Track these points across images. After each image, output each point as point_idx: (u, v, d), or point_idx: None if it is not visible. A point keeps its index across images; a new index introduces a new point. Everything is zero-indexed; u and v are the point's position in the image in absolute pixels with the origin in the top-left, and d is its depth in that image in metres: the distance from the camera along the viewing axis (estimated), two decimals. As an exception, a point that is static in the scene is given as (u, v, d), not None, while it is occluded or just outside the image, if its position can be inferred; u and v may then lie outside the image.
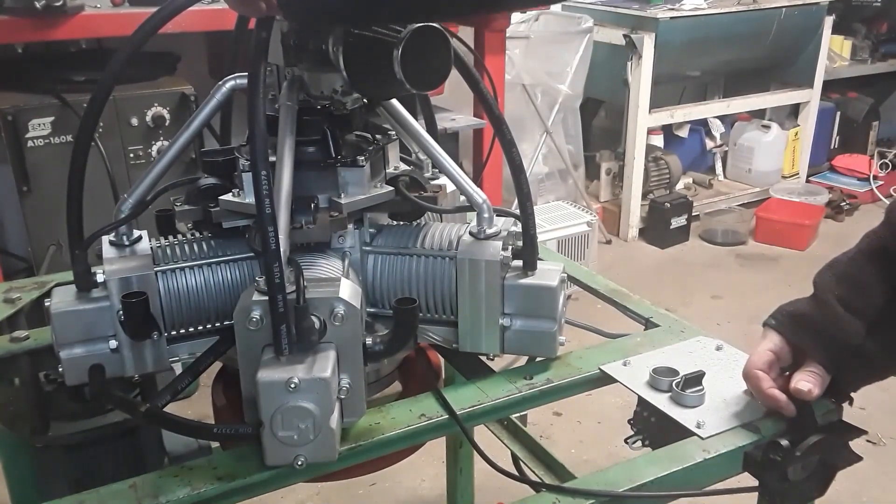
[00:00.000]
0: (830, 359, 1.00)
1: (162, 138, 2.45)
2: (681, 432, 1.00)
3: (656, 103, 4.07)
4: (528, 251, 1.08)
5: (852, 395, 1.05)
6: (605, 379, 1.13)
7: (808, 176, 4.84)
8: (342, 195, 1.04)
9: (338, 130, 1.06)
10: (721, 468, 0.98)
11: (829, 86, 4.73)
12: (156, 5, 1.00)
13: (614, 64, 3.96)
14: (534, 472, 1.53)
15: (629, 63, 3.92)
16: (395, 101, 1.13)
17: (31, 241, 2.41)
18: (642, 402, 1.07)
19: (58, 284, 1.08)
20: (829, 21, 4.39)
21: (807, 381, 0.99)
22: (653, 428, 1.07)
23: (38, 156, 2.32)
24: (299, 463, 0.89)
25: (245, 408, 0.94)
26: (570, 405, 2.60)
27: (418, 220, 1.15)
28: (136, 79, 2.47)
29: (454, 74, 1.00)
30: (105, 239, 1.03)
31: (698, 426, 1.00)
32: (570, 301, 1.17)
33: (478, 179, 2.21)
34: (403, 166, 1.15)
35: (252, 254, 1.04)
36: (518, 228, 1.10)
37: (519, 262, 1.08)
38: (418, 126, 1.15)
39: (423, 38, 0.90)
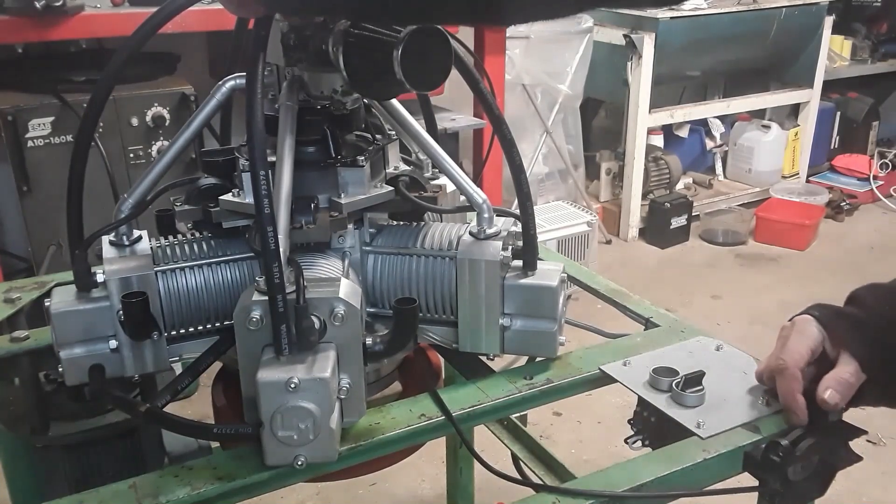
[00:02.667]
0: (869, 355, 0.99)
1: (162, 138, 2.45)
2: (681, 432, 1.00)
3: (656, 103, 4.07)
4: (528, 251, 1.08)
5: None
6: (605, 379, 1.13)
7: (808, 176, 4.84)
8: (342, 195, 1.04)
9: (338, 130, 1.06)
10: (721, 468, 0.98)
11: (829, 86, 4.73)
12: (156, 5, 1.00)
13: (614, 64, 3.96)
14: (534, 472, 1.53)
15: (629, 63, 3.92)
16: (395, 101, 1.13)
17: (31, 241, 2.42)
18: (642, 402, 1.07)
19: (58, 284, 1.08)
20: (829, 21, 4.39)
21: (835, 392, 0.98)
22: (653, 428, 1.07)
23: (38, 156, 2.32)
24: (299, 463, 0.89)
25: (245, 408, 0.94)
26: (570, 405, 2.60)
27: (418, 221, 1.15)
28: (136, 79, 2.47)
29: (454, 74, 1.00)
30: (105, 239, 1.03)
31: (698, 426, 1.00)
32: (570, 301, 1.17)
33: (478, 179, 2.21)
34: (403, 166, 1.15)
35: (252, 254, 1.04)
36: (518, 228, 1.10)
37: (519, 262, 1.08)
38: (418, 126, 1.15)
39: (423, 38, 0.90)
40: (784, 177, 4.74)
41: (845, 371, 0.99)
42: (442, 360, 1.24)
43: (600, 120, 4.75)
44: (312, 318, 0.88)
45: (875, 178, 4.83)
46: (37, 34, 2.26)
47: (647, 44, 3.83)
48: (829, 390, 0.98)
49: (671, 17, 3.83)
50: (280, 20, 1.01)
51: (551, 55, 3.78)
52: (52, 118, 2.31)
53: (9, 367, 1.23)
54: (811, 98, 4.60)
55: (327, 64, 0.98)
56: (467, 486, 1.95)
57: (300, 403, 0.86)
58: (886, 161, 4.90)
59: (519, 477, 1.17)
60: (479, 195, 1.08)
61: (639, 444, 1.08)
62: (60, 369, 0.99)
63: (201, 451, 1.14)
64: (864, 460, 1.00)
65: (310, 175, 1.04)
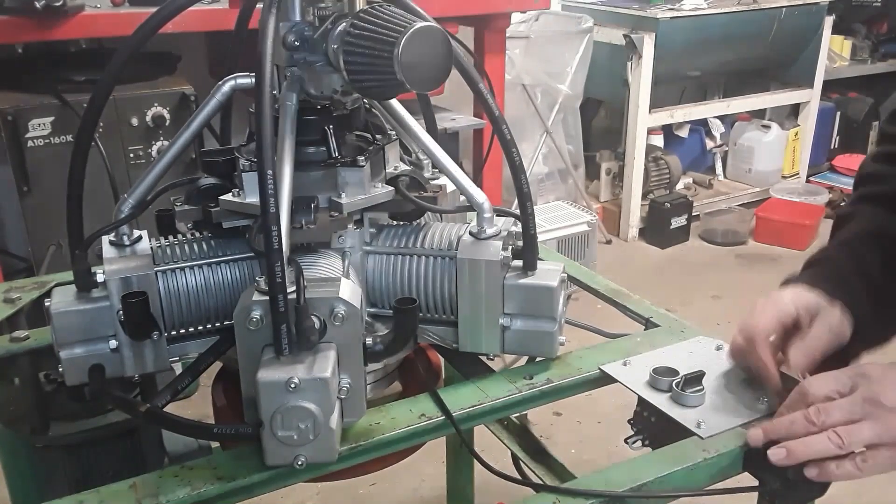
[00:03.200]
0: (851, 297, 1.01)
1: (162, 138, 2.45)
2: (681, 432, 1.00)
3: (656, 103, 4.07)
4: (528, 251, 1.08)
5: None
6: (605, 379, 1.13)
7: (808, 176, 4.84)
8: (342, 195, 1.04)
9: (338, 130, 1.06)
10: (721, 468, 0.98)
11: (829, 86, 4.72)
12: (156, 5, 1.00)
13: (614, 64, 3.96)
14: (534, 472, 1.53)
15: (629, 63, 3.92)
16: (395, 101, 1.13)
17: (31, 241, 2.41)
18: (642, 402, 1.07)
19: (58, 284, 1.08)
20: (829, 21, 4.39)
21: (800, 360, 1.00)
22: (653, 428, 1.07)
23: (38, 156, 2.31)
24: (299, 463, 0.89)
25: (245, 408, 0.94)
26: (570, 405, 2.59)
27: (418, 220, 1.15)
28: (136, 79, 2.47)
29: (454, 74, 1.00)
30: (105, 239, 1.03)
31: (698, 426, 1.00)
32: (570, 301, 1.17)
33: (478, 179, 2.21)
34: (403, 166, 1.15)
35: (252, 254, 1.04)
36: (518, 228, 1.10)
37: (519, 262, 1.08)
38: (418, 126, 1.15)
39: (423, 39, 0.90)
40: (784, 177, 4.74)
41: (812, 337, 1.01)
42: (442, 360, 1.24)
43: (600, 120, 4.75)
44: (312, 318, 0.88)
45: (875, 178, 4.82)
46: (37, 34, 2.26)
47: (647, 44, 3.83)
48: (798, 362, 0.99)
49: (671, 17, 3.83)
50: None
51: (551, 55, 3.78)
52: (52, 118, 2.31)
53: (9, 367, 1.23)
54: (811, 98, 4.60)
55: (327, 64, 0.99)
56: (467, 486, 1.95)
57: (300, 403, 0.86)
58: (886, 161, 4.89)
59: (519, 477, 1.17)
60: (479, 195, 1.08)
61: (639, 444, 1.08)
62: (60, 369, 0.99)
63: (201, 451, 1.14)
64: (864, 461, 1.00)
65: (310, 175, 1.04)
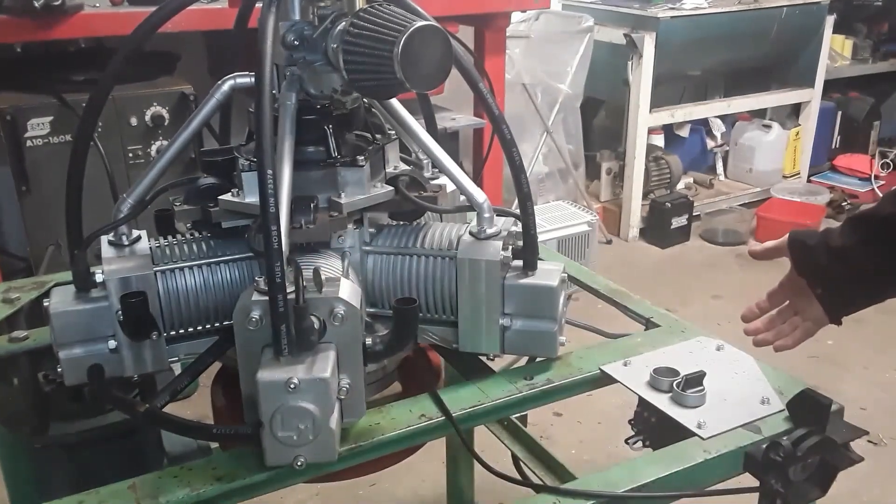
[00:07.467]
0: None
1: (161, 138, 2.45)
2: (681, 432, 1.00)
3: (657, 103, 4.06)
4: (528, 251, 1.08)
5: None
6: (605, 379, 1.13)
7: (809, 176, 4.83)
8: (342, 195, 1.04)
9: (337, 130, 1.06)
10: (722, 468, 0.98)
11: (830, 85, 4.72)
12: (155, 5, 1.00)
13: (615, 63, 3.95)
14: (534, 472, 1.53)
15: (630, 62, 3.91)
16: (395, 101, 1.13)
17: (30, 241, 2.41)
18: (643, 403, 1.07)
19: (57, 284, 1.08)
20: (830, 20, 4.39)
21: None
22: (653, 428, 1.07)
23: (37, 156, 2.31)
24: (299, 463, 0.89)
25: (245, 408, 0.94)
26: (570, 405, 2.59)
27: (418, 220, 1.15)
28: (136, 79, 2.47)
29: (454, 74, 1.00)
30: (104, 239, 1.03)
31: (699, 426, 1.00)
32: (571, 301, 1.17)
33: (478, 179, 2.21)
34: (403, 166, 1.15)
35: (251, 254, 1.04)
36: (518, 228, 1.10)
37: (519, 262, 1.08)
38: (418, 126, 1.15)
39: (423, 38, 0.90)
40: (785, 176, 4.74)
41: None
42: (442, 360, 1.23)
43: (601, 119, 4.74)
44: (312, 318, 0.88)
45: (876, 177, 4.82)
46: (36, 34, 2.26)
47: (648, 43, 3.82)
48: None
49: (672, 17, 3.83)
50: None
51: (551, 55, 3.78)
52: (51, 118, 2.30)
53: (8, 367, 1.23)
54: (812, 98, 4.59)
55: (327, 63, 0.98)
56: (467, 486, 1.95)
57: (300, 403, 0.85)
58: (888, 161, 4.89)
59: (519, 477, 1.17)
60: (479, 195, 1.08)
61: (639, 444, 1.08)
62: (60, 369, 0.99)
63: (201, 452, 1.14)
64: (864, 460, 1.00)
65: (309, 175, 1.04)
